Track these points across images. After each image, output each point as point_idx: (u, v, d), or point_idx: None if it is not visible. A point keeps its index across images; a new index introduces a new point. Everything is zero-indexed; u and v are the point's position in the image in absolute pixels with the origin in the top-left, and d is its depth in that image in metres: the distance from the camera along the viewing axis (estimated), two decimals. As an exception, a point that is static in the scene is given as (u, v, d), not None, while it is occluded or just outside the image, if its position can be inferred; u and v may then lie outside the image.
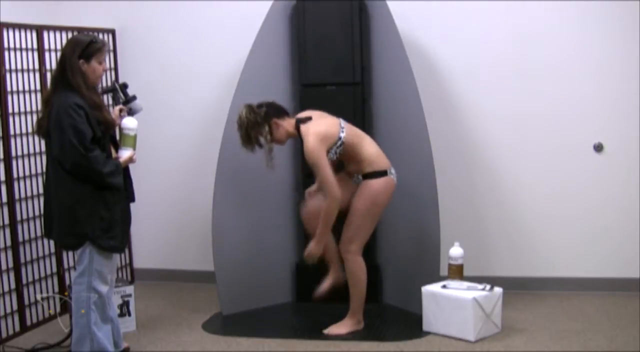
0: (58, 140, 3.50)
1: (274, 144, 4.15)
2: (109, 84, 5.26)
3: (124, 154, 3.75)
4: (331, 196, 4.00)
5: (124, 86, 4.03)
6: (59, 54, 4.11)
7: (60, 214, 3.62)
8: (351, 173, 4.26)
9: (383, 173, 4.17)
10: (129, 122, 3.81)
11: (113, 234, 3.64)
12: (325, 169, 3.99)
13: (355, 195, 4.19)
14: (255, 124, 4.07)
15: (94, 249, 3.61)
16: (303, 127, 4.11)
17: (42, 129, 3.61)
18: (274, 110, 4.12)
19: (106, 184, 3.58)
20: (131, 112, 3.95)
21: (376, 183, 4.15)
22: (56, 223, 3.65)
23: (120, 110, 3.92)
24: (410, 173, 4.52)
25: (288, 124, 4.14)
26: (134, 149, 3.81)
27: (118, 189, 3.65)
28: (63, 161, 3.52)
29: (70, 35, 4.66)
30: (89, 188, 3.56)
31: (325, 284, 4.32)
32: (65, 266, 4.80)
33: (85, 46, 3.57)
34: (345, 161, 4.23)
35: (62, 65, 3.56)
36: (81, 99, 3.52)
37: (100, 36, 5.20)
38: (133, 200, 3.86)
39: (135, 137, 3.82)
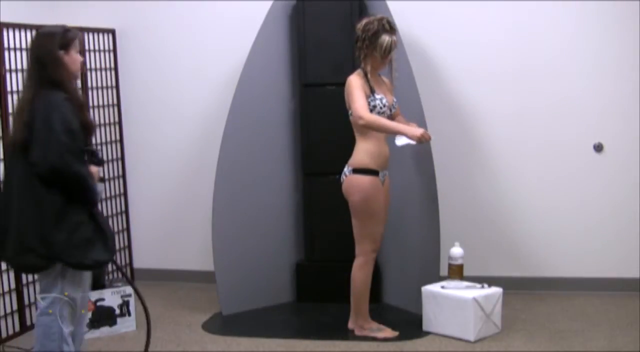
0: (41, 140, 3.03)
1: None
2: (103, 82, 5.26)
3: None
4: None
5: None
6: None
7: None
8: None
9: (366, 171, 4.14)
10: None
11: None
12: None
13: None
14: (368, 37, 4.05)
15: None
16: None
17: (17, 140, 3.09)
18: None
19: (86, 188, 3.15)
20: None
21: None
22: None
23: None
24: (410, 173, 4.53)
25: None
26: None
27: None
28: (41, 163, 3.03)
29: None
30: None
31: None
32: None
33: (62, 35, 3.19)
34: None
35: (41, 61, 3.14)
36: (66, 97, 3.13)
37: (101, 36, 5.22)
38: None
39: None
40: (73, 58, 3.21)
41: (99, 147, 3.77)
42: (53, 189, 3.08)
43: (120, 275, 5.35)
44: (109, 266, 5.11)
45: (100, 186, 3.33)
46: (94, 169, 3.25)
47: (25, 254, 3.12)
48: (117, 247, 5.35)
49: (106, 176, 5.22)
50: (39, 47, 3.19)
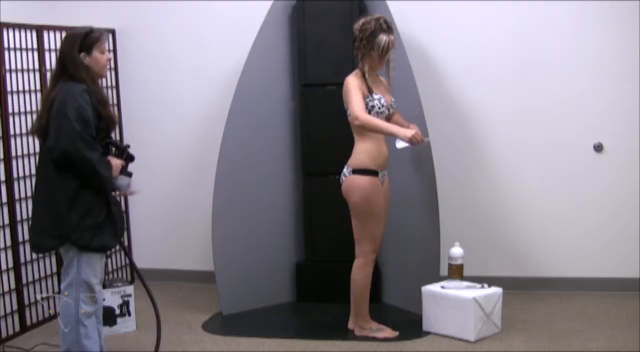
0: (55, 126, 3.22)
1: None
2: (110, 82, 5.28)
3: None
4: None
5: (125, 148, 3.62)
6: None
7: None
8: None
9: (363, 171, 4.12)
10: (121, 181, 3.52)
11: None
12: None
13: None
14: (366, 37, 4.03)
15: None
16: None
17: (41, 127, 3.32)
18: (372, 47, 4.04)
19: (95, 174, 3.28)
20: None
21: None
22: None
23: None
24: (410, 173, 4.53)
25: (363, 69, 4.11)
26: None
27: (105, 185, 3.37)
28: (54, 147, 3.23)
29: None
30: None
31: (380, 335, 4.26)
32: (65, 265, 4.80)
33: (83, 38, 3.38)
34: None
35: (62, 63, 3.36)
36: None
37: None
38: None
39: None
40: (96, 59, 3.41)
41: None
42: (67, 174, 3.28)
43: (126, 273, 5.36)
44: (116, 264, 5.12)
45: (124, 180, 3.52)
46: (116, 161, 3.44)
47: (43, 235, 3.36)
48: (116, 248, 5.33)
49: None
50: (62, 50, 3.41)
